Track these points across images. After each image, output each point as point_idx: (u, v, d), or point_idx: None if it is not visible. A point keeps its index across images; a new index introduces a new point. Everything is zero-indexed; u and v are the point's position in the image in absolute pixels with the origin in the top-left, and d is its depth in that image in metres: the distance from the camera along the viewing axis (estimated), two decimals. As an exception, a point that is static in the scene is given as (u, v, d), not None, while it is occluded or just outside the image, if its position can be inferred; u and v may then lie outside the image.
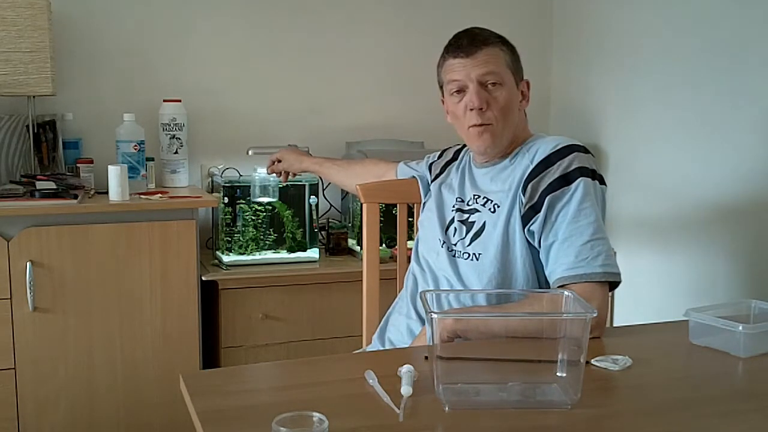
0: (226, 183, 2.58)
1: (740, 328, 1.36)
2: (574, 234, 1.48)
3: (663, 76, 2.61)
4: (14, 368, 2.24)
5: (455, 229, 1.66)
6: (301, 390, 1.25)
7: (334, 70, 2.95)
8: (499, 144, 1.62)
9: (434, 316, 1.16)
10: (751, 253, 2.32)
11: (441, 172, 1.81)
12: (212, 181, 2.75)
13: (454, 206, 1.70)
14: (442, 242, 1.67)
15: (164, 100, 2.67)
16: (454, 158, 1.82)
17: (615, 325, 2.77)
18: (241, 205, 2.58)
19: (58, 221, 2.24)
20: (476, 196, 1.65)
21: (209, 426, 1.09)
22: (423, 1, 3.03)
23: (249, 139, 2.78)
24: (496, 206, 1.59)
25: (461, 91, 1.60)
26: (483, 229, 1.60)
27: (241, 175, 2.66)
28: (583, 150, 1.56)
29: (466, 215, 1.65)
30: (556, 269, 1.49)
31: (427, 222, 1.74)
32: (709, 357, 1.40)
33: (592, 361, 1.32)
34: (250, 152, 2.66)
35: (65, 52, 2.61)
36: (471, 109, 1.59)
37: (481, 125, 1.59)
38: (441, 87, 1.69)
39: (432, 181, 1.83)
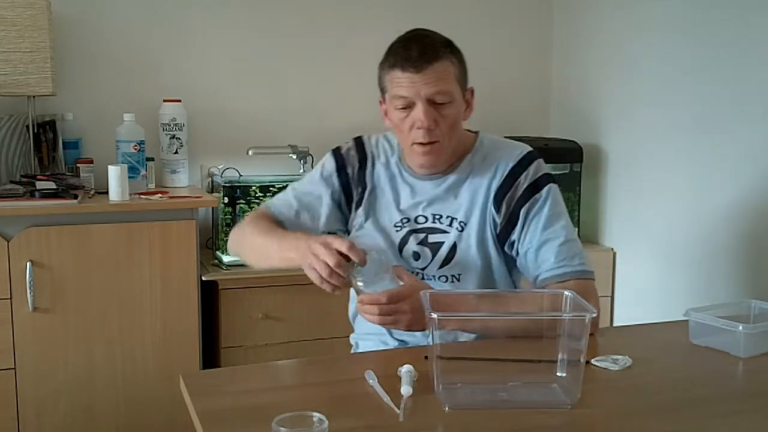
0: (226, 183, 2.58)
1: (740, 328, 1.36)
2: (550, 237, 1.52)
3: (663, 76, 2.60)
4: (14, 368, 2.24)
5: (416, 253, 1.57)
6: (301, 390, 1.25)
7: (335, 71, 2.95)
8: (443, 160, 1.56)
9: (434, 316, 1.16)
10: (751, 253, 2.32)
11: (362, 191, 1.63)
12: (212, 181, 2.75)
13: (399, 227, 1.59)
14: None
15: (164, 100, 2.67)
16: (371, 165, 1.65)
17: (615, 325, 2.78)
18: (241, 205, 2.57)
19: (58, 221, 2.24)
20: (437, 216, 1.57)
21: (209, 426, 1.09)
22: (423, 1, 3.02)
23: (249, 139, 2.78)
24: (462, 224, 1.56)
25: (408, 107, 1.49)
26: (455, 250, 1.56)
27: (241, 175, 2.66)
28: (537, 155, 1.59)
29: (423, 235, 1.57)
30: (539, 271, 1.52)
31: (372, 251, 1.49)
32: (709, 357, 1.40)
33: (592, 361, 1.32)
34: (250, 152, 2.66)
35: (65, 52, 2.61)
36: (419, 128, 1.49)
37: (428, 143, 1.50)
38: (382, 91, 1.56)
39: (355, 206, 1.64)
